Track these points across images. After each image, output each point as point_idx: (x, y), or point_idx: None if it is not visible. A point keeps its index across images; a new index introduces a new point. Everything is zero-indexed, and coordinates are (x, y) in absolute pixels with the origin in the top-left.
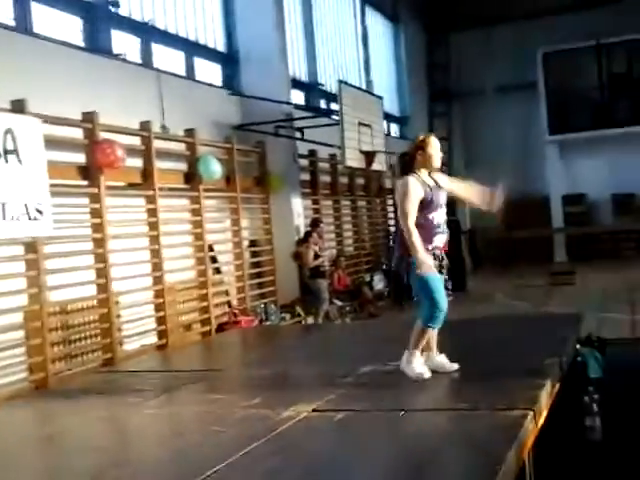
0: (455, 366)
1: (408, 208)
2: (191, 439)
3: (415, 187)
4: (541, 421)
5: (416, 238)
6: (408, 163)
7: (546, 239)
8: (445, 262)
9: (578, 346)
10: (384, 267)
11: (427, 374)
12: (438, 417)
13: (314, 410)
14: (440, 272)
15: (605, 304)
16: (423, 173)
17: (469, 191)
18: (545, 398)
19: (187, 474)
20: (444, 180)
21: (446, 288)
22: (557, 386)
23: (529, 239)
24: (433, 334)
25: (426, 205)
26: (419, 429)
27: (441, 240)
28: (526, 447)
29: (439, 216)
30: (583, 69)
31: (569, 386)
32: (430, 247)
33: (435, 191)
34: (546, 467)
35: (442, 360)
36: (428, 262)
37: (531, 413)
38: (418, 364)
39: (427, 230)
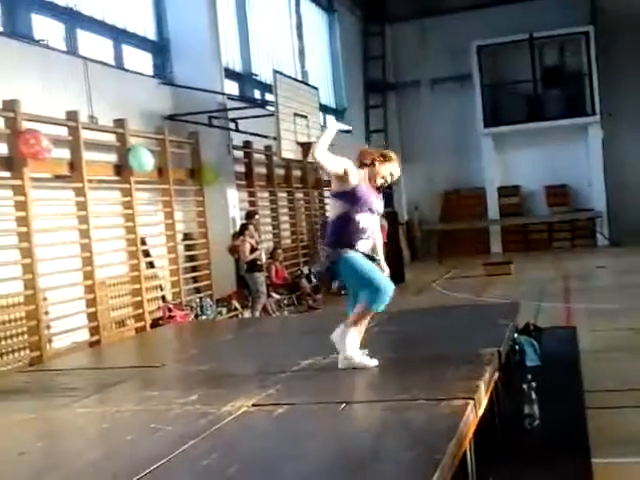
0: (375, 362)
1: (331, 155)
2: (127, 438)
3: (352, 163)
4: (481, 410)
5: (321, 153)
6: (363, 161)
7: (482, 231)
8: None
9: (516, 335)
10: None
11: (356, 358)
12: (378, 409)
13: (253, 405)
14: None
15: (540, 293)
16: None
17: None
18: (484, 387)
19: (122, 474)
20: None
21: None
22: (496, 375)
23: (466, 230)
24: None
25: (355, 198)
26: (359, 422)
27: (365, 246)
28: (467, 437)
29: (367, 221)
30: (516, 62)
31: (508, 375)
32: (357, 248)
33: (371, 192)
34: (487, 456)
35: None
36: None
37: (471, 402)
38: (351, 344)
39: (349, 231)
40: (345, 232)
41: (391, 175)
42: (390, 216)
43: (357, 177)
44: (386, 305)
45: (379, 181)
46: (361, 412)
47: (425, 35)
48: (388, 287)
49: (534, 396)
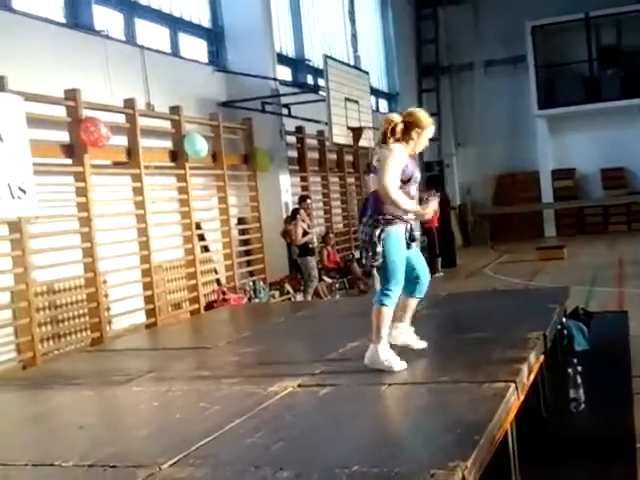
0: (423, 344)
1: (388, 173)
2: (177, 416)
3: (400, 156)
4: (524, 393)
5: (399, 194)
6: (398, 131)
7: (536, 214)
8: (415, 236)
9: (564, 319)
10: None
11: (401, 365)
12: (420, 391)
13: (299, 385)
14: (408, 247)
15: (593, 278)
16: (408, 148)
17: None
18: (527, 370)
19: (173, 449)
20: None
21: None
22: (541, 358)
23: (519, 214)
24: (411, 305)
25: (407, 178)
26: (400, 403)
27: (411, 217)
28: (508, 419)
29: (414, 190)
30: (572, 43)
31: (554, 359)
32: (404, 218)
33: (414, 164)
34: (530, 438)
35: (411, 336)
36: (419, 208)
37: (513, 385)
38: (388, 356)
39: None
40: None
41: (427, 138)
42: (442, 200)
43: (405, 161)
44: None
45: (421, 148)
46: (403, 394)
47: (478, 17)
48: (400, 279)
49: (579, 380)
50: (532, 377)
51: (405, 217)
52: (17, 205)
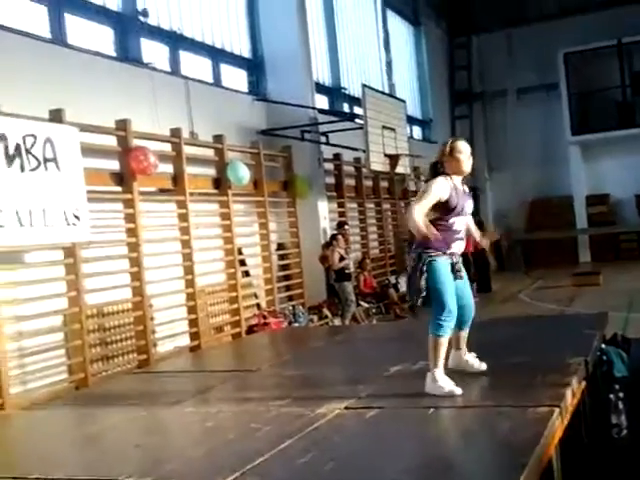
0: (484, 366)
1: (426, 197)
2: (228, 436)
3: (441, 186)
4: (567, 418)
5: (418, 217)
6: (439, 168)
7: (570, 240)
8: (460, 268)
9: (603, 345)
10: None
11: (457, 390)
12: (465, 414)
13: (346, 408)
14: (455, 277)
15: (630, 304)
16: (455, 178)
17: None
18: (571, 395)
19: (229, 468)
20: (469, 203)
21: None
22: (583, 384)
23: (553, 240)
24: (462, 335)
25: (450, 209)
26: (447, 426)
27: (459, 247)
28: (553, 443)
29: (460, 223)
30: (605, 69)
31: (594, 384)
32: (448, 252)
33: (462, 197)
34: (573, 463)
35: (471, 359)
36: (426, 230)
37: (557, 410)
38: (444, 381)
39: (446, 234)
40: (441, 235)
41: (465, 154)
42: (476, 225)
43: (446, 192)
44: (451, 329)
45: (466, 166)
46: (449, 417)
47: (511, 44)
48: (453, 308)
49: (621, 406)
50: (575, 403)
51: (448, 250)
52: (71, 231)
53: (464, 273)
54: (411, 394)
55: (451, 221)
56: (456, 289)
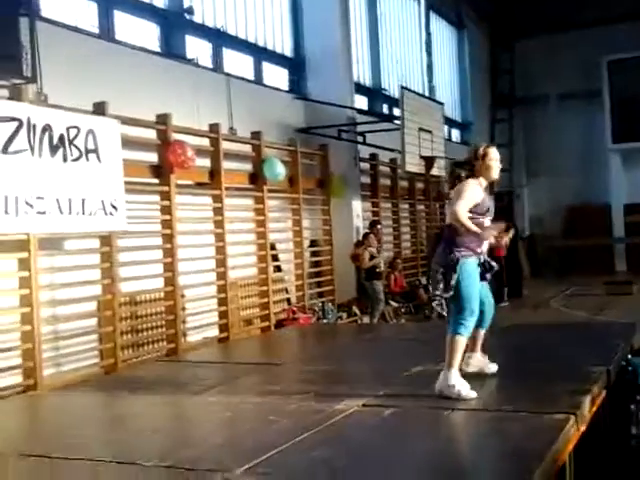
0: (495, 367)
1: (461, 201)
2: (247, 426)
3: (474, 189)
4: (584, 426)
5: (467, 219)
6: (466, 169)
7: (606, 248)
8: (490, 266)
9: (629, 356)
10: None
11: (471, 393)
12: (482, 417)
13: (364, 405)
14: (483, 278)
15: None
16: (483, 181)
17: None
18: (589, 404)
19: (242, 458)
20: (491, 203)
21: (494, 294)
22: (604, 393)
23: (589, 247)
24: (481, 334)
25: (481, 210)
26: (462, 428)
27: (487, 246)
28: (566, 450)
29: (489, 223)
30: None
31: (618, 394)
32: (479, 250)
33: (490, 199)
34: (588, 472)
35: (484, 360)
36: (486, 231)
37: (573, 417)
38: (459, 384)
39: (475, 235)
40: (467, 236)
41: (496, 160)
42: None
43: (480, 194)
44: (471, 330)
45: (495, 173)
46: (465, 419)
47: (554, 50)
48: (475, 310)
49: None
50: (594, 411)
51: (478, 249)
52: (109, 220)
53: (490, 275)
54: (429, 395)
55: (482, 221)
56: (479, 290)
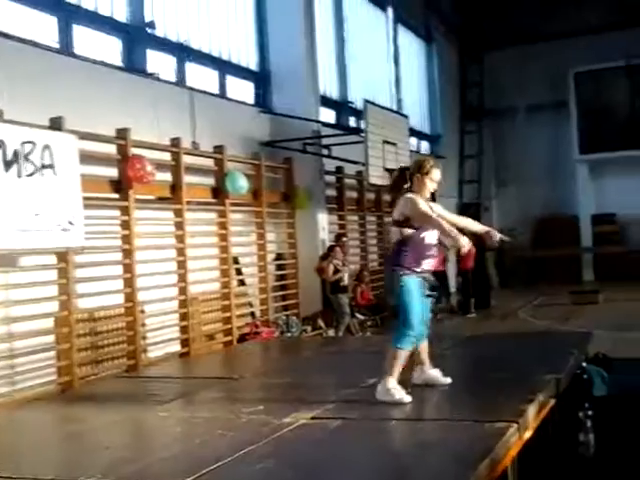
0: (448, 380)
1: (424, 207)
2: (195, 441)
3: (421, 200)
4: (527, 434)
5: (443, 221)
6: (403, 180)
7: (574, 258)
8: (432, 285)
9: (584, 364)
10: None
11: (406, 398)
12: (426, 427)
13: (313, 418)
14: (427, 296)
15: (624, 324)
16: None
17: (470, 225)
18: (534, 412)
19: (188, 471)
20: (438, 207)
21: (432, 312)
22: (552, 401)
23: (557, 258)
24: (423, 348)
25: (420, 224)
26: (407, 438)
27: (430, 264)
28: (507, 458)
29: (431, 237)
30: (614, 89)
31: (570, 402)
32: (419, 269)
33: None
34: (535, 478)
35: (435, 374)
36: (463, 238)
37: (515, 425)
38: (395, 390)
39: (418, 251)
40: (410, 254)
41: (435, 182)
42: (478, 241)
43: (425, 205)
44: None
45: (428, 193)
46: (410, 429)
47: (522, 62)
48: (416, 326)
49: (589, 424)
50: (540, 419)
51: (418, 269)
52: (66, 236)
53: (432, 293)
54: (379, 406)
55: (422, 235)
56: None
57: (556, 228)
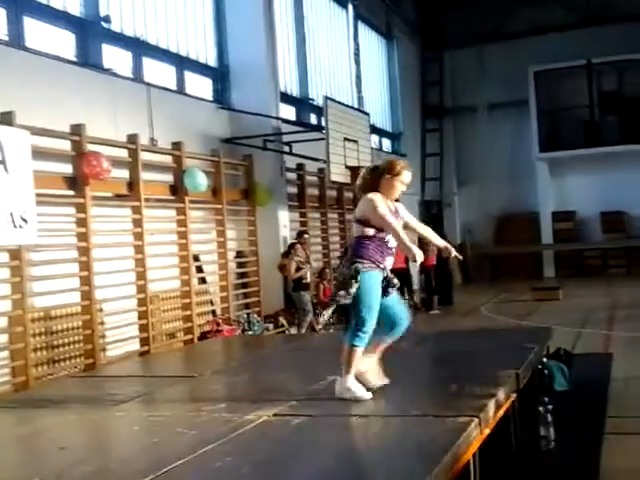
0: (386, 380)
1: (383, 211)
2: (153, 440)
3: (383, 202)
4: (488, 429)
5: (400, 230)
6: (373, 180)
7: (535, 255)
8: (393, 283)
9: (545, 359)
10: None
11: (366, 395)
12: (387, 423)
13: (274, 415)
14: (385, 294)
15: (585, 320)
16: (385, 196)
17: (429, 234)
18: (494, 407)
19: (145, 471)
20: (404, 210)
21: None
22: (513, 396)
23: (519, 254)
24: (384, 341)
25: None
26: (368, 434)
27: (390, 262)
28: (468, 452)
29: (393, 239)
30: (573, 88)
31: (531, 397)
32: (382, 266)
33: (394, 214)
34: (497, 473)
35: (377, 369)
36: (415, 249)
37: (476, 420)
38: (354, 386)
39: (379, 250)
40: (372, 248)
41: (404, 185)
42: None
43: (386, 208)
44: (367, 342)
45: (396, 195)
46: (370, 425)
47: (482, 61)
48: (370, 326)
49: (550, 419)
50: (501, 414)
51: (381, 264)
52: (18, 234)
53: (395, 290)
54: (341, 403)
55: (386, 237)
56: (391, 304)
57: (517, 225)
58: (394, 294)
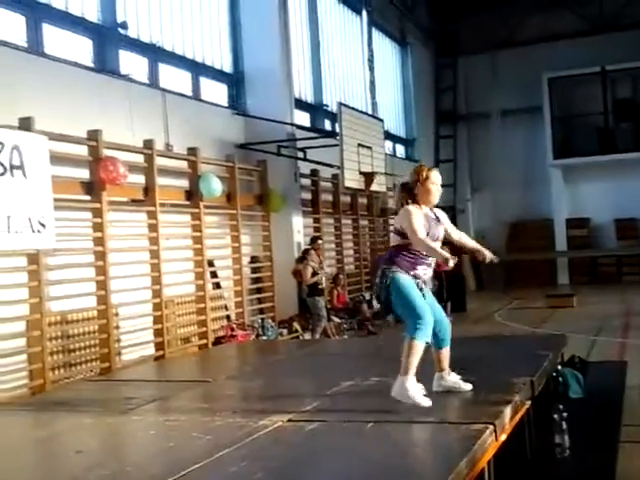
0: (469, 386)
1: (415, 225)
2: (169, 444)
3: (417, 215)
4: (504, 435)
5: (430, 241)
6: (409, 195)
7: (549, 262)
8: (426, 289)
9: (559, 367)
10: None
11: (425, 401)
12: (402, 429)
13: (289, 420)
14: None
15: (600, 327)
16: (423, 207)
17: (463, 240)
18: (509, 414)
19: (161, 475)
20: (444, 217)
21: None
22: (528, 403)
23: (532, 261)
24: (444, 354)
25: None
26: (382, 441)
27: (424, 271)
28: (483, 459)
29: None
30: (588, 95)
31: (543, 404)
32: (412, 273)
33: (434, 225)
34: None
35: (455, 379)
36: (446, 253)
37: (491, 427)
38: (414, 390)
39: (412, 259)
40: (406, 258)
41: (436, 185)
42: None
43: (422, 219)
44: (428, 336)
45: (435, 198)
46: (386, 432)
47: (497, 67)
48: (427, 316)
49: (565, 426)
50: (516, 421)
51: (411, 272)
52: (36, 238)
53: (429, 293)
54: (355, 408)
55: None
56: (429, 307)
57: (531, 232)
58: (429, 296)
